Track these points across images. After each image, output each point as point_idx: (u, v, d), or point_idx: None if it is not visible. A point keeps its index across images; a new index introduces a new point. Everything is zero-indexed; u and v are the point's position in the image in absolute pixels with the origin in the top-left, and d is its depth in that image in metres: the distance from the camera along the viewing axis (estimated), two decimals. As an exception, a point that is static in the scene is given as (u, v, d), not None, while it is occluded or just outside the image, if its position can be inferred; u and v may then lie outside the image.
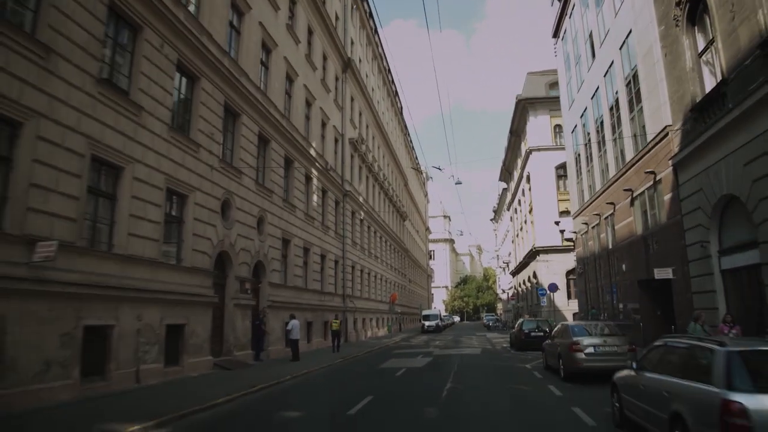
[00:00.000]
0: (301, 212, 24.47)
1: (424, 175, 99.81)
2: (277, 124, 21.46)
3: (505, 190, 78.42)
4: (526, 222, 55.63)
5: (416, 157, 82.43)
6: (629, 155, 20.43)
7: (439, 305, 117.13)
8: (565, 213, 47.75)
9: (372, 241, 40.96)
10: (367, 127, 41.43)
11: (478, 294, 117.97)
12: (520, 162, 57.45)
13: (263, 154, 20.82)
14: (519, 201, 60.74)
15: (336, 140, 32.26)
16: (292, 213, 23.21)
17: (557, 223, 32.02)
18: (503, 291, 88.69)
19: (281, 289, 21.31)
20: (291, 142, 23.13)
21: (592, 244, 26.64)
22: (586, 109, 26.53)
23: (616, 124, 21.96)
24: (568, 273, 46.48)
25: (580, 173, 28.71)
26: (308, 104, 26.90)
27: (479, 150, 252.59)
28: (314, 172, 26.78)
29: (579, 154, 28.78)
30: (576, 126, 28.99)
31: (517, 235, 64.89)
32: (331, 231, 29.42)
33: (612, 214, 22.76)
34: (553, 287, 36.94)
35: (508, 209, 74.45)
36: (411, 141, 74.69)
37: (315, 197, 26.86)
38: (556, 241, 46.81)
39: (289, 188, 23.57)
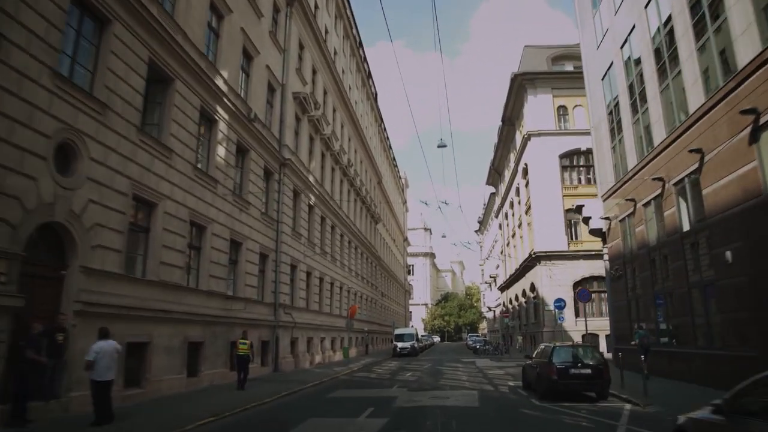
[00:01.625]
0: (188, 165, 15.14)
1: (403, 181, 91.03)
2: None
3: (492, 195, 69.73)
4: (521, 225, 46.69)
5: (394, 158, 73.59)
6: (740, 58, 11.57)
7: (418, 324, 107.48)
8: (571, 211, 38.99)
9: (329, 238, 31.59)
10: (325, 93, 32.32)
11: (460, 313, 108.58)
12: (513, 156, 48.75)
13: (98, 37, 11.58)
14: (511, 203, 51.91)
15: (271, 88, 23.08)
16: (164, 159, 13.85)
17: (577, 209, 22.93)
18: (489, 309, 79.48)
19: (120, 284, 11.82)
20: (165, 44, 13.85)
21: (643, 232, 17.63)
22: (633, 28, 17.71)
23: (710, 22, 13.07)
24: (577, 285, 37.51)
25: (619, 131, 19.80)
26: (218, 15, 17.76)
27: (463, 172, 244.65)
28: (222, 113, 17.51)
29: (616, 104, 19.89)
30: (612, 65, 20.14)
31: (508, 244, 55.95)
32: (254, 209, 20.05)
33: (695, 172, 13.76)
34: (560, 303, 27.94)
35: (497, 216, 65.67)
36: (388, 138, 65.84)
37: (222, 151, 17.53)
38: (561, 245, 37.91)
39: (162, 121, 14.23)
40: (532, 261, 39.45)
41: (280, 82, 23.96)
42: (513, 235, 52.12)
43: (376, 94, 54.68)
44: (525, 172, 43.04)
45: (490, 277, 74.10)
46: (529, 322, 42.92)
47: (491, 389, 15.06)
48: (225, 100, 17.54)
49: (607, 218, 21.00)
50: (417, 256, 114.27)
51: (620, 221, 19.74)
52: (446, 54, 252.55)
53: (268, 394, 14.21)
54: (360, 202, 42.83)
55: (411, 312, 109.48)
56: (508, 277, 54.90)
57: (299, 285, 24.81)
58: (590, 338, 36.64)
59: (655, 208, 16.63)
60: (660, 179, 15.68)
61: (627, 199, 18.25)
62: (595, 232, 22.46)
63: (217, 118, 17.22)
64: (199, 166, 16.20)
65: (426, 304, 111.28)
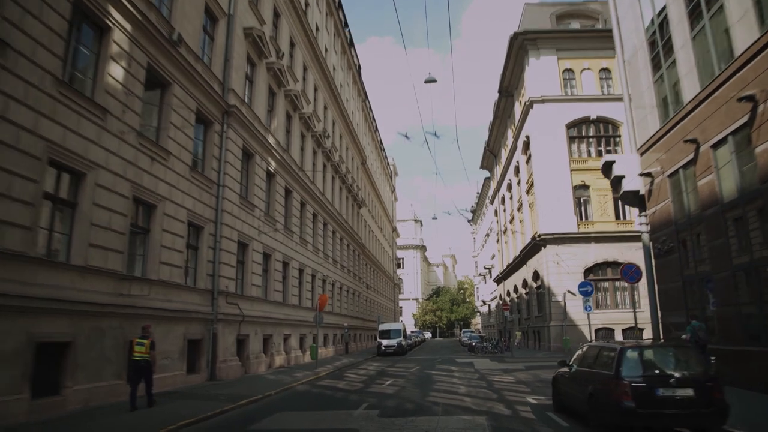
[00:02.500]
0: (48, 77, 9.89)
1: (391, 168, 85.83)
2: None
3: (487, 179, 64.77)
4: (520, 208, 41.72)
5: (381, 143, 68.42)
6: None
7: (408, 320, 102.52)
8: (581, 187, 34.06)
9: (297, 215, 26.44)
10: (292, 45, 27.10)
11: (452, 308, 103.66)
12: (512, 132, 43.74)
13: None
14: (509, 184, 46.95)
15: (211, 15, 17.84)
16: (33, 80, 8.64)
17: (605, 169, 17.65)
18: (483, 303, 74.64)
19: None
20: None
21: (712, 185, 12.57)
22: None
23: None
24: (588, 272, 32.59)
25: (668, 54, 14.71)
26: None
27: (452, 169, 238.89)
28: (119, 19, 12.27)
29: (664, 20, 14.82)
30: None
31: (505, 231, 51.03)
32: (177, 163, 14.84)
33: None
34: (587, 287, 22.93)
35: (492, 202, 60.72)
36: (374, 119, 60.62)
37: (118, 72, 12.30)
38: (569, 226, 32.98)
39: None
40: (535, 246, 34.48)
41: (226, 12, 18.73)
42: (511, 220, 47.17)
43: (359, 66, 49.44)
44: (526, 146, 38.01)
45: (485, 268, 69.23)
46: (531, 315, 37.99)
47: (507, 413, 9.91)
48: (124, 1, 12.30)
49: (647, 174, 15.94)
50: (407, 248, 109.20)
51: (670, 176, 14.70)
52: (437, 50, 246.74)
53: (160, 422, 9.09)
54: (340, 182, 37.64)
55: (401, 307, 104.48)
56: (505, 267, 49.98)
57: (252, 269, 19.64)
58: (604, 333, 31.78)
59: (737, 146, 11.57)
60: (751, 98, 10.61)
61: (686, 141, 13.17)
62: (629, 198, 17.39)
63: (110, 23, 11.98)
64: (75, 83, 11.01)
65: (416, 299, 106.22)
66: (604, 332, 31.13)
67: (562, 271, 31.98)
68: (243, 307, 18.25)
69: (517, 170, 42.15)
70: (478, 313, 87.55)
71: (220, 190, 17.26)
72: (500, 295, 55.72)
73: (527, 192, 38.28)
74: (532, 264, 36.55)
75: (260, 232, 20.41)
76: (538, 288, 35.80)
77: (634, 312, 18.73)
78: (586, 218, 33.45)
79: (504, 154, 48.99)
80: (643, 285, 32.81)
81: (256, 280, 19.95)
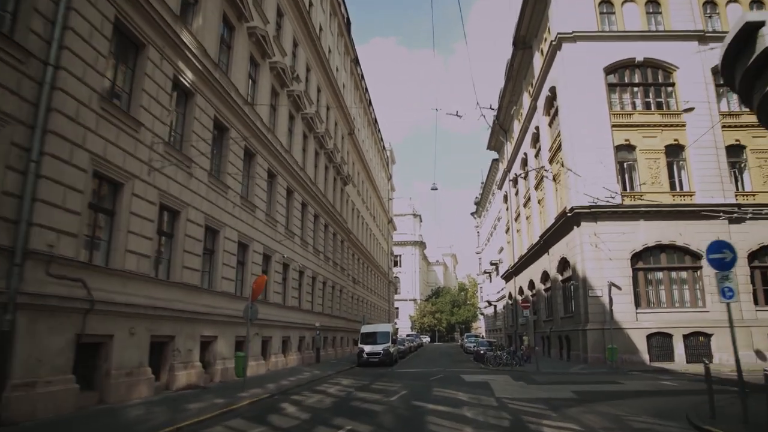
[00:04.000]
0: None
1: (388, 153, 77.95)
2: None
3: (495, 162, 56.83)
4: (540, 185, 33.89)
5: (375, 121, 60.69)
6: None
7: (405, 322, 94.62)
8: (626, 148, 26.22)
9: (233, 161, 18.54)
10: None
11: (452, 310, 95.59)
12: (528, 95, 36.02)
13: None
14: (524, 158, 39.11)
15: None
16: None
17: (747, 33, 9.83)
18: (488, 303, 66.72)
19: None
20: None
21: None
22: None
23: None
24: (636, 258, 24.76)
25: None
26: None
27: (456, 173, 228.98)
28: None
29: None
30: None
31: (517, 217, 43.19)
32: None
33: None
34: (723, 259, 15.33)
35: (500, 187, 52.87)
36: (367, 91, 52.80)
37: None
38: (611, 198, 25.17)
39: None
40: (564, 226, 26.64)
41: None
42: (525, 203, 39.35)
43: (348, 19, 41.59)
44: (550, 102, 30.22)
45: (491, 264, 61.31)
46: (555, 316, 30.07)
47: None
48: None
49: None
50: (405, 245, 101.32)
51: None
52: (440, 53, 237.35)
53: None
54: (316, 144, 29.74)
55: (398, 308, 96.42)
56: (516, 260, 42.11)
57: (131, 224, 11.77)
58: (660, 340, 23.93)
59: None
60: None
61: None
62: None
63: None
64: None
65: (414, 300, 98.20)
66: (660, 338, 23.32)
67: (602, 257, 24.15)
68: (100, 286, 10.41)
69: (536, 138, 34.32)
70: (482, 316, 79.52)
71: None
72: (510, 293, 47.84)
73: (551, 161, 30.43)
74: (558, 250, 28.68)
75: (152, 169, 12.53)
76: (566, 281, 27.93)
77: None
78: (631, 188, 25.65)
79: (517, 127, 41.15)
80: (709, 277, 24.98)
81: (139, 244, 12.07)
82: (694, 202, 24.66)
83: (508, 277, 47.65)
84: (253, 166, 19.83)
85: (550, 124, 30.89)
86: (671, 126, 26.01)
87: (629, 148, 25.80)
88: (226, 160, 17.27)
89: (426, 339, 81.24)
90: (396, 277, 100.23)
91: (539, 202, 34.67)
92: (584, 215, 24.66)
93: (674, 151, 25.90)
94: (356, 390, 14.79)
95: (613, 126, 25.84)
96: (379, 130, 64.56)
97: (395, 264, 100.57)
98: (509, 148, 45.46)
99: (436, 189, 34.51)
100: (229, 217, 17.14)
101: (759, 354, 23.12)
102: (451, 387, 15.46)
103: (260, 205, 20.19)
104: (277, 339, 21.48)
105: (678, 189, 25.49)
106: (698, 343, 23.43)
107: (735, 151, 26.00)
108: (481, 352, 27.95)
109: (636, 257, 24.40)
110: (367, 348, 26.57)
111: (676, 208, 24.50)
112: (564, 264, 28.04)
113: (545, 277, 32.72)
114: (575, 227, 25.27)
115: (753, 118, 28.01)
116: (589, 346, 23.41)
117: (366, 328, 28.82)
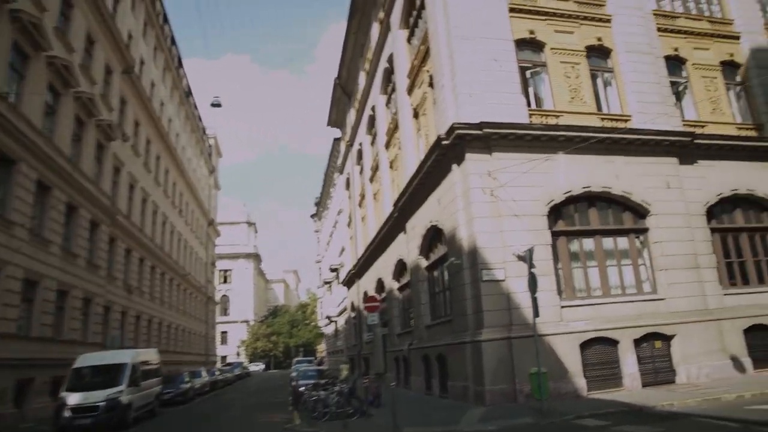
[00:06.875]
0: None
1: (212, 142, 63.56)
2: None
3: (337, 141, 45.68)
4: (393, 138, 23.38)
5: (188, 91, 46.87)
6: None
7: (233, 348, 79.52)
8: (530, 44, 16.44)
9: None
10: None
11: (291, 331, 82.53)
12: (380, 17, 25.69)
13: None
14: (371, 117, 28.43)
15: None
16: None
17: None
18: (329, 320, 55.14)
19: None
20: None
21: None
22: None
23: None
24: (555, 213, 14.79)
25: None
26: None
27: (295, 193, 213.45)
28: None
29: None
30: None
31: (362, 199, 32.44)
32: None
33: None
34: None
35: (341, 171, 42.01)
36: (180, 61, 39.00)
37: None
38: (518, 113, 15.09)
39: None
40: (436, 170, 15.99)
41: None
42: (373, 175, 28.72)
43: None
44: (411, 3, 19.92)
45: (331, 271, 49.95)
46: (418, 323, 19.03)
47: None
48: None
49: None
50: (237, 258, 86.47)
51: None
52: (292, 73, 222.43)
53: None
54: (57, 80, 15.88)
55: (225, 332, 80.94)
56: (361, 255, 31.15)
57: None
58: (600, 350, 14.14)
59: None
60: None
61: None
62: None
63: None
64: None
65: (246, 321, 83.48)
66: (600, 348, 13.32)
67: (503, 212, 13.78)
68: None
69: (389, 73, 23.88)
70: (325, 336, 67.67)
71: None
72: (352, 303, 36.84)
73: (411, 88, 19.99)
74: (424, 217, 17.84)
75: None
76: (437, 264, 17.31)
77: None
78: (542, 104, 15.90)
79: (362, 83, 30.57)
80: (659, 244, 15.70)
81: None
82: (633, 127, 15.56)
83: (350, 281, 36.55)
84: None
85: (411, 36, 20.58)
86: (592, 19, 16.95)
87: (535, 45, 16.08)
88: None
89: (257, 368, 67.19)
90: (224, 295, 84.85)
91: (392, 164, 24.14)
92: (471, 141, 14.16)
93: (599, 56, 16.85)
94: None
95: (512, 11, 16.00)
96: (197, 108, 50.97)
97: (224, 281, 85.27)
98: (352, 116, 34.80)
99: (220, 105, 22.22)
100: None
101: (735, 362, 14.40)
102: None
103: None
104: None
105: (607, 111, 16.33)
106: (654, 352, 14.03)
107: (673, 67, 17.68)
108: (300, 389, 15.99)
109: (555, 213, 14.47)
110: (73, 399, 13.29)
111: (609, 135, 15.07)
112: (434, 236, 17.40)
113: (400, 268, 22.07)
114: (455, 166, 14.67)
115: (693, 23, 20.03)
116: (487, 370, 12.67)
117: (84, 360, 15.28)
